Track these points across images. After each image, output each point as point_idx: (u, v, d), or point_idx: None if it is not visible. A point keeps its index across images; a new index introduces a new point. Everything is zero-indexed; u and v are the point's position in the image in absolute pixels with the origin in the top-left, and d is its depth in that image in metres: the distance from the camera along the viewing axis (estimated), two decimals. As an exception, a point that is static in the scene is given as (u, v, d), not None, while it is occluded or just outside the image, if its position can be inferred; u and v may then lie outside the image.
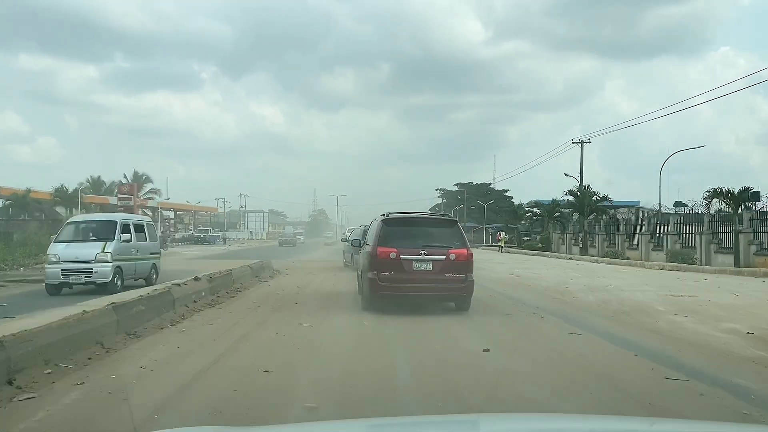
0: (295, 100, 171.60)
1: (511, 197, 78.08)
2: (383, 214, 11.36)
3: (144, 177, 74.79)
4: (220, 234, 71.23)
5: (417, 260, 10.25)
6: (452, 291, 10.50)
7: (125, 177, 70.15)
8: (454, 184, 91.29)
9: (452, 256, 10.32)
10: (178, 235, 64.70)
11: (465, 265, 10.41)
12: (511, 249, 47.05)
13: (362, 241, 13.39)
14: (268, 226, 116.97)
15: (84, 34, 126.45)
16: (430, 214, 13.80)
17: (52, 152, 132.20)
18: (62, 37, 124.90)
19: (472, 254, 10.69)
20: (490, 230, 71.69)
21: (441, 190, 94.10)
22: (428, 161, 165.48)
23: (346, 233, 31.96)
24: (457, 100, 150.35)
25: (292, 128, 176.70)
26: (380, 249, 10.41)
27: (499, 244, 47.77)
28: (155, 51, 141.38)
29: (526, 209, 54.52)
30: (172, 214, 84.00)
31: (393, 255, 10.27)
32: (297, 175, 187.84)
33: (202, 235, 64.93)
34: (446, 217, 12.24)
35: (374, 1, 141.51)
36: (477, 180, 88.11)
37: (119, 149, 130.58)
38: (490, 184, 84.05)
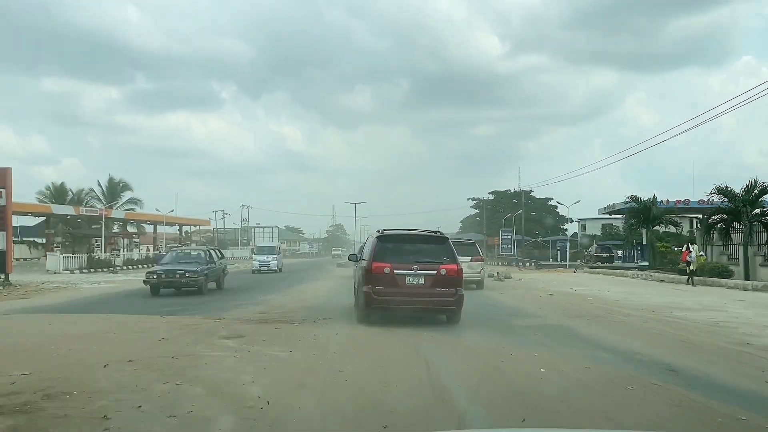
0: (314, 118, 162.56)
1: (556, 206, 66.09)
2: (378, 231, 11.83)
3: (121, 184, 65.34)
4: (197, 253, 54.33)
5: (410, 275, 10.70)
6: (443, 305, 10.91)
7: (99, 184, 61.11)
8: (489, 193, 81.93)
9: (443, 272, 10.78)
10: (134, 255, 47.25)
11: (455, 279, 10.85)
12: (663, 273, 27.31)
13: (359, 256, 13.33)
14: (279, 243, 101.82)
15: (105, 56, 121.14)
16: (423, 231, 12.55)
17: (76, 173, 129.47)
18: (84, 60, 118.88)
19: (461, 270, 11.12)
20: (558, 244, 53.98)
21: (474, 199, 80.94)
22: (448, 175, 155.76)
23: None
24: (475, 114, 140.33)
25: (311, 146, 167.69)
26: (375, 264, 10.79)
27: (689, 268, 24.20)
28: (176, 71, 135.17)
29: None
30: (176, 230, 70.45)
31: (387, 270, 10.68)
32: (316, 192, 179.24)
33: (169, 255, 48.07)
34: (437, 234, 12.02)
35: (391, 17, 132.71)
36: (506, 189, 78.35)
37: (141, 169, 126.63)
38: (531, 191, 71.43)
